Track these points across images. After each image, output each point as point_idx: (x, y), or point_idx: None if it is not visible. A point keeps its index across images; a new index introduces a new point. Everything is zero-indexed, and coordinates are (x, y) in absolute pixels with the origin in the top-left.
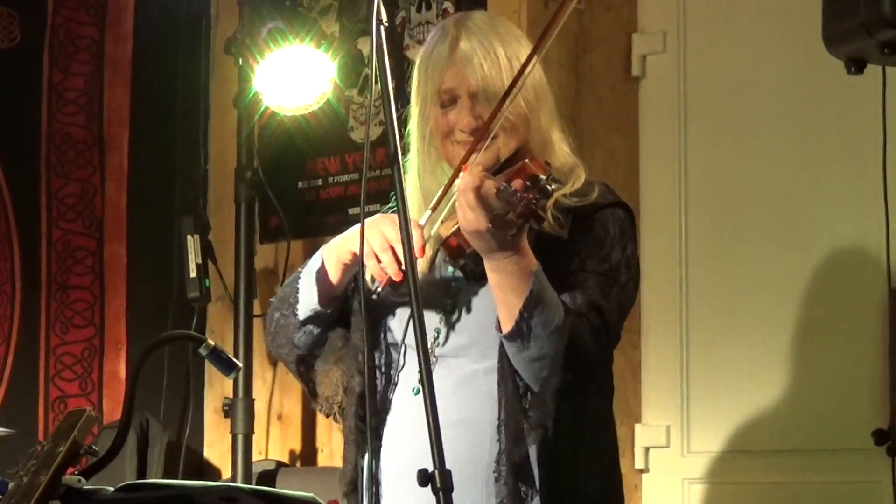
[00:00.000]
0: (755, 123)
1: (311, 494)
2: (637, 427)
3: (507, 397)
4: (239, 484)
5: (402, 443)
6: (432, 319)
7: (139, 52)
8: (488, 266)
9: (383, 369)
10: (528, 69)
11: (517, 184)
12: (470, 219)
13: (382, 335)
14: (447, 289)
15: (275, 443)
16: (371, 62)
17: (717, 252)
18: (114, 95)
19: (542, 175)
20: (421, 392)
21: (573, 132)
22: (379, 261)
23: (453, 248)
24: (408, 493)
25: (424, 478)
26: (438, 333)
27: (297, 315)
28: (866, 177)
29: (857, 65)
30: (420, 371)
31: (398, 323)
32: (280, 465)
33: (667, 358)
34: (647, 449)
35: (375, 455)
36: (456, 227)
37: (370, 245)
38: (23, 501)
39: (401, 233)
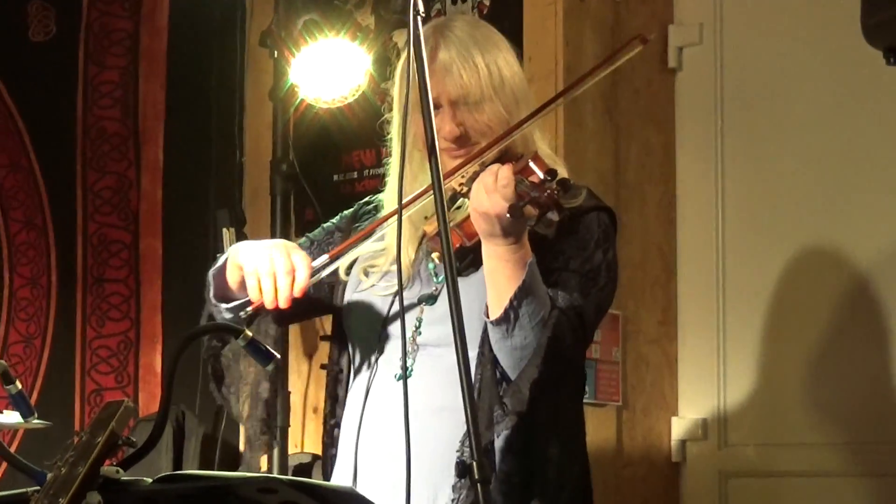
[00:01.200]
0: (792, 116)
1: (349, 486)
2: (674, 420)
3: (483, 383)
4: (277, 475)
5: (384, 425)
6: (414, 310)
7: (174, 45)
8: (487, 252)
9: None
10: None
11: (534, 177)
12: (485, 202)
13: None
14: (429, 281)
15: (310, 436)
16: (407, 55)
17: (754, 245)
18: (149, 89)
19: (550, 172)
20: (411, 375)
21: (609, 125)
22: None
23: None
24: (386, 475)
25: (463, 469)
26: (420, 323)
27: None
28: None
29: (891, 53)
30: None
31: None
32: (315, 457)
33: (703, 351)
34: (684, 442)
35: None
36: (459, 221)
37: (256, 266)
38: (61, 492)
39: (439, 225)
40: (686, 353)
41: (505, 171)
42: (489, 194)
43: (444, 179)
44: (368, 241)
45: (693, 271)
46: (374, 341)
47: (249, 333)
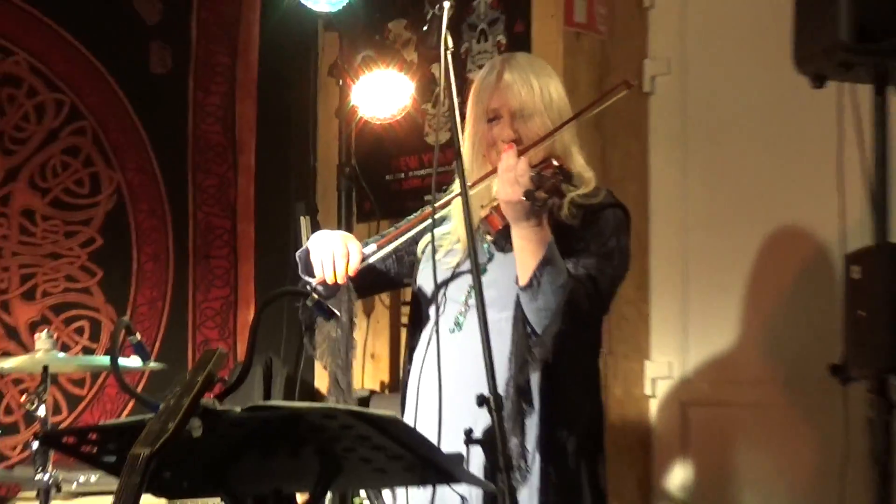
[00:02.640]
0: (740, 127)
1: (393, 413)
2: (647, 363)
3: (517, 337)
4: (338, 405)
5: (445, 368)
6: (468, 278)
7: (263, 75)
8: (515, 233)
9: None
10: (560, 129)
11: (546, 172)
12: (508, 191)
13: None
14: (482, 256)
15: (368, 375)
16: (441, 82)
17: (710, 228)
18: (243, 109)
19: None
20: (459, 329)
21: (598, 136)
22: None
23: (490, 223)
24: (450, 410)
25: (481, 400)
26: (471, 289)
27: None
28: (825, 168)
29: (819, 80)
30: (479, 301)
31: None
32: (372, 392)
33: (670, 309)
34: (655, 379)
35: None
36: (495, 206)
37: (321, 252)
38: (170, 419)
39: (463, 215)
40: (656, 312)
41: (523, 165)
42: (511, 185)
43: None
44: (442, 226)
45: (662, 248)
46: (436, 303)
47: (315, 296)
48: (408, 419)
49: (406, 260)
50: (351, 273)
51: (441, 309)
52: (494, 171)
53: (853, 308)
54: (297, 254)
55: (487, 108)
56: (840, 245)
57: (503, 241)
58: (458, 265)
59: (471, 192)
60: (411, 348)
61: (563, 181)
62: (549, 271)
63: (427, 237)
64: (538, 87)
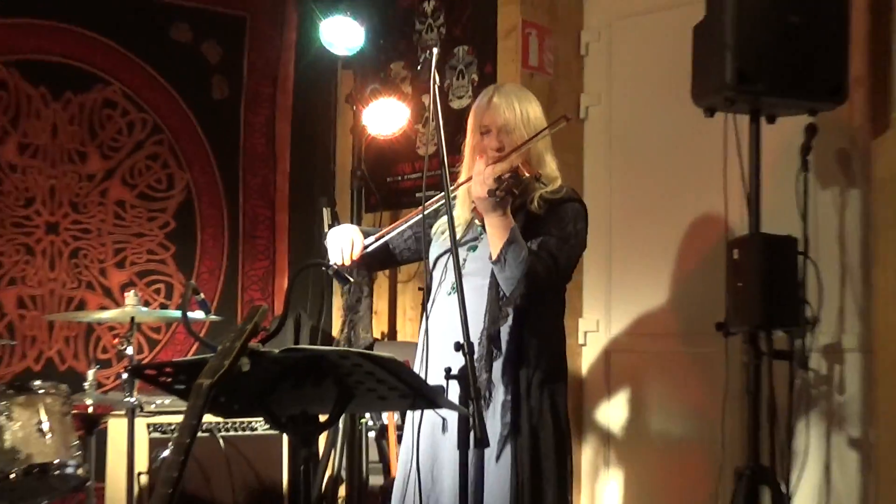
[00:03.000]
0: (652, 146)
1: (392, 355)
2: (580, 320)
3: (491, 298)
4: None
5: (443, 321)
6: (464, 252)
7: (296, 101)
8: (486, 220)
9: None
10: (532, 140)
11: (505, 175)
12: (477, 190)
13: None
14: (474, 235)
15: (374, 327)
16: (430, 109)
17: (629, 220)
18: (281, 127)
19: (525, 173)
20: (454, 293)
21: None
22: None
23: (478, 213)
24: (444, 353)
25: (457, 346)
26: (466, 260)
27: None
28: (714, 176)
29: (710, 112)
30: (457, 278)
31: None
32: (376, 340)
33: (598, 281)
34: (586, 333)
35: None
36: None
37: (331, 242)
38: (226, 357)
39: (447, 211)
40: (587, 282)
41: (488, 171)
42: (480, 186)
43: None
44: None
45: (592, 234)
46: (440, 272)
47: (335, 266)
48: (417, 360)
49: (423, 240)
50: (355, 258)
51: (443, 276)
52: (471, 177)
53: (733, 281)
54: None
55: (480, 123)
56: (724, 234)
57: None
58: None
59: (459, 190)
60: (424, 308)
61: (518, 183)
62: (512, 249)
63: (438, 222)
64: (519, 109)
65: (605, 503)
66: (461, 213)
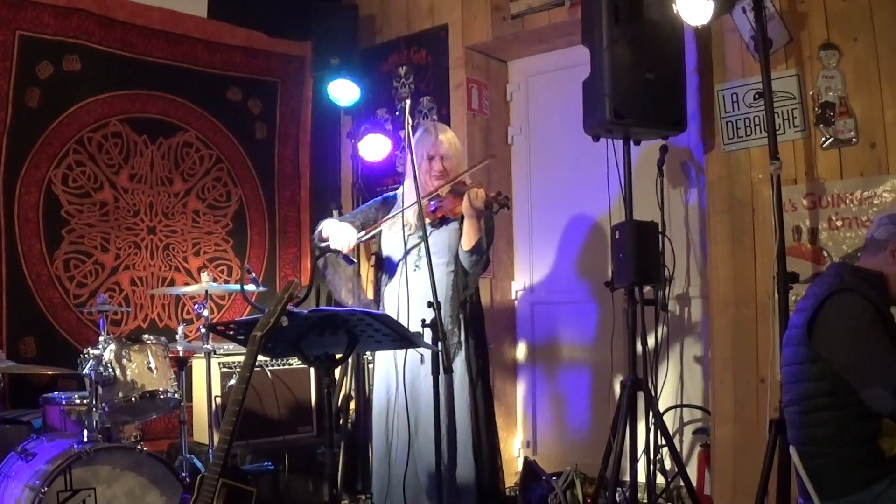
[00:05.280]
0: (559, 161)
1: (385, 313)
2: (512, 282)
3: (457, 276)
4: (356, 308)
5: (416, 287)
6: (413, 241)
7: (313, 138)
8: (467, 222)
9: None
10: (465, 172)
11: (491, 195)
12: (477, 204)
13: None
14: (426, 233)
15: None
16: (406, 141)
17: (544, 212)
18: (303, 156)
19: (500, 194)
20: (419, 269)
21: (486, 170)
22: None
23: (435, 216)
24: (417, 309)
25: (429, 304)
26: (420, 249)
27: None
28: (600, 180)
29: (596, 138)
30: (427, 255)
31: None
32: (371, 301)
33: (524, 254)
34: (516, 291)
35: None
36: (440, 206)
37: (331, 233)
38: (271, 316)
39: (419, 217)
40: (517, 255)
41: (482, 193)
42: (478, 201)
43: (436, 190)
44: (389, 221)
45: (520, 223)
46: (400, 255)
47: (342, 251)
48: (393, 314)
49: (403, 231)
50: (351, 247)
51: (405, 258)
52: (436, 189)
53: (616, 252)
54: (317, 230)
55: (427, 153)
56: (609, 221)
57: (438, 224)
58: (409, 236)
59: (416, 201)
60: (380, 280)
61: (507, 201)
62: (481, 240)
63: (389, 221)
64: (453, 142)
65: (534, 409)
66: (405, 218)
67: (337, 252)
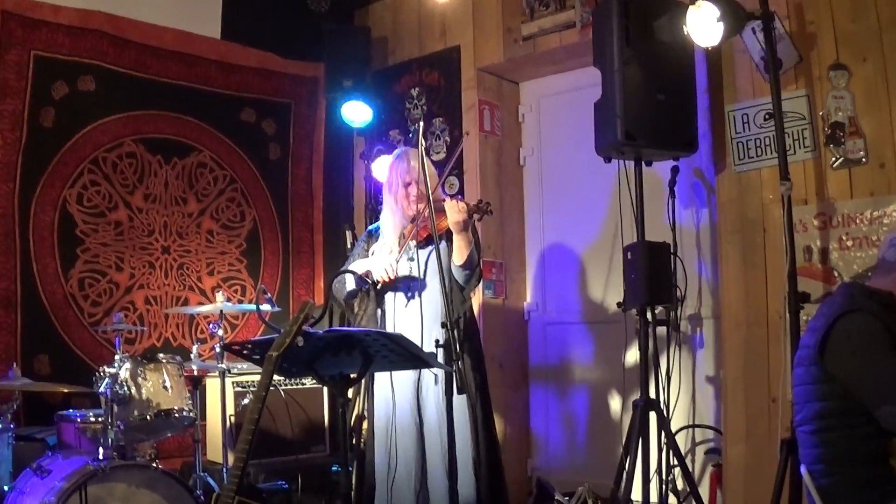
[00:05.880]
0: (570, 181)
1: (400, 333)
2: (525, 303)
3: (455, 293)
4: (370, 329)
5: (406, 320)
6: (406, 268)
7: (326, 159)
8: (456, 237)
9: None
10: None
11: (472, 206)
12: (459, 216)
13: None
14: (410, 256)
15: None
16: (420, 162)
17: (556, 233)
18: (317, 176)
19: (480, 202)
20: (413, 299)
21: (497, 188)
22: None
23: (421, 236)
24: (431, 329)
25: (443, 325)
26: (410, 278)
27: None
28: (613, 200)
29: (608, 159)
30: (440, 270)
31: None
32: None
33: (538, 276)
34: (529, 311)
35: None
36: (424, 225)
37: (378, 267)
38: (287, 336)
39: (432, 230)
40: (529, 275)
41: (463, 205)
42: (460, 213)
43: (421, 211)
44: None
45: (532, 244)
46: (394, 284)
47: (358, 273)
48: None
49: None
50: (395, 270)
51: (399, 286)
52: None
53: (628, 273)
54: (348, 266)
55: (404, 179)
56: (621, 241)
57: (423, 245)
58: (398, 261)
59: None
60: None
61: (488, 207)
62: (473, 254)
63: (373, 245)
64: (428, 167)
65: (547, 429)
66: (391, 242)
67: (375, 283)
